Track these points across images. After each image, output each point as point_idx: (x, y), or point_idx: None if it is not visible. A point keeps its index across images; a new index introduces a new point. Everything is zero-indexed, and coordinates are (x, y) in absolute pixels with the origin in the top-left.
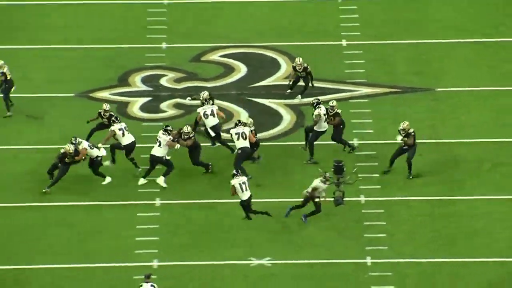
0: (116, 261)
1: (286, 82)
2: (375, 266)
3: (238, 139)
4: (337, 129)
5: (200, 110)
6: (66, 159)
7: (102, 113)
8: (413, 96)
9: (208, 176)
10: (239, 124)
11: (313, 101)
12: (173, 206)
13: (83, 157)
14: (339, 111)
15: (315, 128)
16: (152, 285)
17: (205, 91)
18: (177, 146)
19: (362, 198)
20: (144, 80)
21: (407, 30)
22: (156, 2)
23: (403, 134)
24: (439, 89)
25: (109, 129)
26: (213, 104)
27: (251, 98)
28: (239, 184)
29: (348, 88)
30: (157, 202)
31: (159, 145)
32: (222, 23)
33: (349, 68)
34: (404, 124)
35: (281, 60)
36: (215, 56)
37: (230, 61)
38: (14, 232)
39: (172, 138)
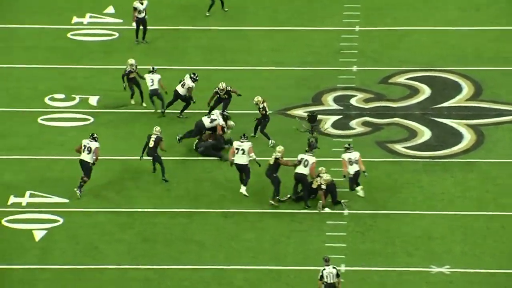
0: (306, 264)
1: (468, 104)
2: None
3: (237, 152)
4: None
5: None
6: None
7: (218, 91)
8: None
9: (392, 189)
10: (243, 138)
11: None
12: (359, 215)
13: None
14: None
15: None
16: (333, 267)
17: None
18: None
19: None
20: (336, 100)
21: None
22: (349, 28)
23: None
24: None
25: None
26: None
27: (434, 118)
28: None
29: None
30: (345, 211)
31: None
32: (408, 48)
33: None
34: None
35: (463, 83)
36: (401, 79)
37: (415, 83)
38: (214, 235)
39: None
